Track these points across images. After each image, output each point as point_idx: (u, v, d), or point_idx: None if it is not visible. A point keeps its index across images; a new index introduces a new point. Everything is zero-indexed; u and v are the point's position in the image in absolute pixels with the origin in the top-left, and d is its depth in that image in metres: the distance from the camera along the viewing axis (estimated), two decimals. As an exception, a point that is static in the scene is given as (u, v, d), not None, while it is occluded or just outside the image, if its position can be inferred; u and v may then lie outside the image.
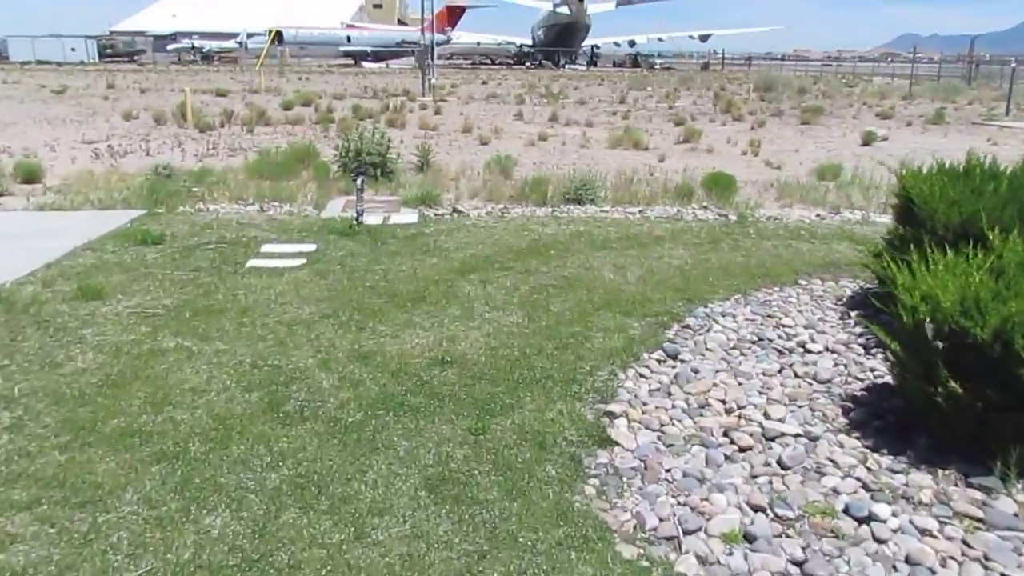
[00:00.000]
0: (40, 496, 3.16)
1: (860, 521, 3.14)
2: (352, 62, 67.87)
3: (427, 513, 3.14)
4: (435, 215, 8.68)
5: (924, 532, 3.07)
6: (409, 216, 8.55)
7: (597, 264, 6.70)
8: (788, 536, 3.07)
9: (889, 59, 77.77)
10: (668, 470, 3.53)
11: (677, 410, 4.11)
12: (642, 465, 3.56)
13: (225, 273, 6.22)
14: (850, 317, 5.39)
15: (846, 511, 3.20)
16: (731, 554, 2.97)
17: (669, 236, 7.76)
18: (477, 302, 5.68)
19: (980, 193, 4.46)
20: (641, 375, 4.54)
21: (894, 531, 3.08)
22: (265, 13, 69.46)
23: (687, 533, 3.09)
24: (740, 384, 4.42)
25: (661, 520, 3.17)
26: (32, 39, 66.28)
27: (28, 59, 59.93)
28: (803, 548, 2.99)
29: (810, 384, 4.42)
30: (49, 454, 3.47)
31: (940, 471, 3.46)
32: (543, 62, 71.70)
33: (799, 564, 2.91)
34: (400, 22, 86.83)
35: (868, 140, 16.06)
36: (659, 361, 4.74)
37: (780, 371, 4.61)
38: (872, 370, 4.54)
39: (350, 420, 3.87)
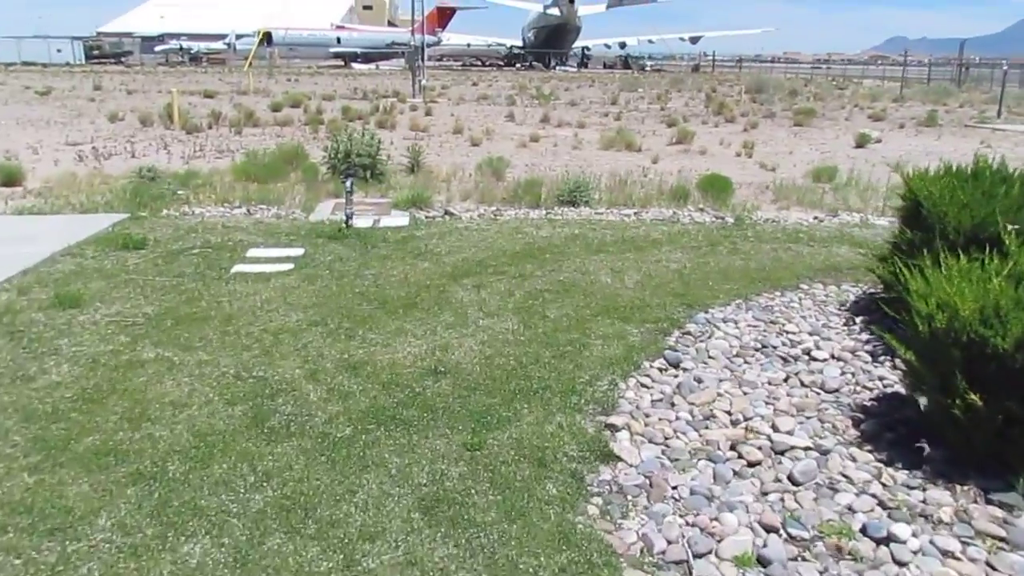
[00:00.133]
0: (5, 523, 2.95)
1: (879, 542, 2.97)
2: (342, 63, 67.53)
3: (421, 537, 2.95)
4: (426, 218, 8.50)
5: (946, 553, 2.91)
6: (400, 219, 8.35)
7: (593, 268, 6.53)
8: (804, 559, 2.90)
9: (879, 62, 78.03)
10: (675, 487, 3.36)
11: (681, 422, 3.94)
12: (647, 482, 3.39)
13: (209, 279, 6.01)
14: (855, 323, 5.24)
15: (864, 531, 3.03)
16: (745, 580, 2.80)
17: (666, 239, 7.60)
18: (471, 308, 5.49)
19: (991, 196, 4.31)
20: (643, 385, 4.37)
21: (915, 553, 2.92)
22: (254, 14, 69.07)
23: (697, 556, 2.92)
24: (745, 394, 4.25)
25: (669, 542, 3.00)
26: (17, 40, 65.56)
27: (13, 60, 59.28)
28: (820, 573, 2.82)
29: (818, 394, 4.26)
30: (17, 476, 3.26)
31: (958, 487, 3.30)
32: (533, 63, 71.53)
33: (817, 591, 2.75)
34: (390, 23, 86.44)
35: (862, 142, 15.96)
36: (661, 370, 4.57)
37: (786, 380, 4.45)
38: (881, 379, 4.38)
39: (339, 435, 3.68)
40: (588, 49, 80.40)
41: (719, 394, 4.23)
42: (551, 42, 72.33)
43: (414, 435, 3.71)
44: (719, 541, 3.00)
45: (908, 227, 4.76)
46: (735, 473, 3.47)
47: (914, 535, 2.99)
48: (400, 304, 5.53)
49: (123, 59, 67.16)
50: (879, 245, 6.72)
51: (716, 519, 3.13)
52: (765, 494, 3.32)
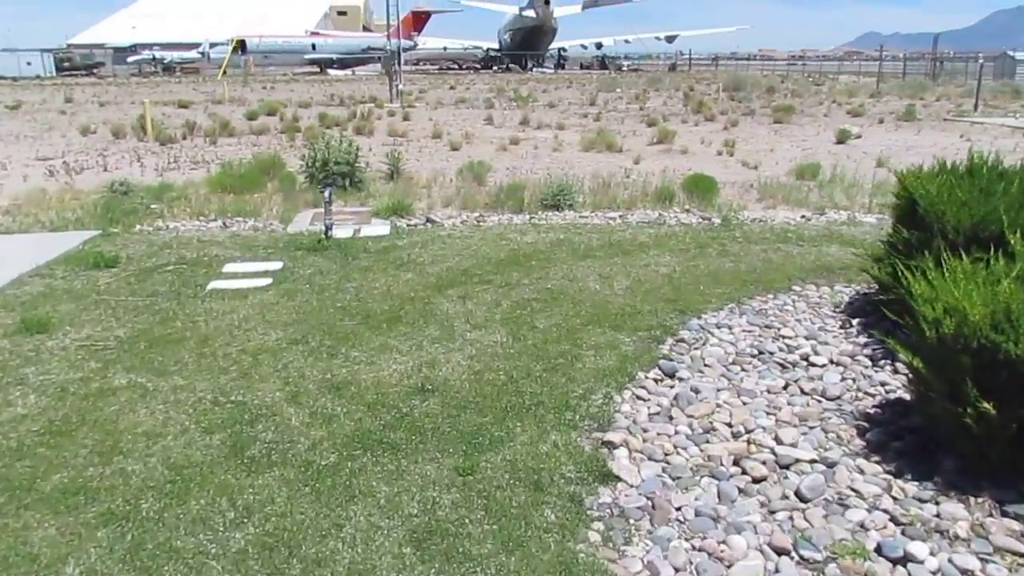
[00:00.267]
0: (-36, 575, 2.74)
1: (895, 562, 2.84)
2: (318, 70, 67.06)
3: (414, 574, 2.77)
4: (408, 226, 8.31)
5: (966, 573, 2.78)
6: (381, 228, 8.16)
7: (581, 274, 6.37)
8: (819, 584, 2.75)
9: (854, 57, 78.65)
10: (678, 508, 3.20)
11: (681, 436, 3.79)
12: (649, 504, 3.23)
13: (184, 297, 5.79)
14: (852, 325, 5.12)
15: (879, 551, 2.89)
16: (758, 609, 2.65)
17: (654, 242, 7.46)
18: (457, 320, 5.32)
19: (989, 194, 4.20)
20: (638, 397, 4.22)
21: (934, 573, 2.78)
22: (228, 23, 68.44)
23: (706, 585, 2.76)
24: (745, 404, 4.11)
25: (676, 570, 2.84)
26: (-15, 54, 64.57)
27: (-19, 75, 58.29)
28: (837, 599, 2.68)
29: (819, 402, 4.13)
30: (-22, 521, 3.05)
31: (972, 499, 3.17)
32: (510, 66, 71.41)
33: (835, 618, 2.60)
34: (365, 28, 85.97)
35: (842, 138, 15.95)
36: (656, 380, 4.42)
37: (785, 387, 4.31)
38: (883, 384, 4.26)
39: (323, 463, 3.49)
40: (565, 50, 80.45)
41: (718, 405, 4.08)
42: (527, 44, 72.27)
43: (402, 460, 3.53)
44: (728, 567, 2.85)
45: (904, 226, 4.63)
46: (740, 490, 3.32)
47: (931, 553, 2.85)
48: (384, 318, 5.34)
49: (95, 70, 66.24)
50: (870, 244, 6.63)
51: (724, 542, 2.97)
52: (773, 512, 3.17)
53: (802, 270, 6.41)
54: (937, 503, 3.17)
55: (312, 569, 2.79)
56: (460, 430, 3.81)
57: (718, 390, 4.28)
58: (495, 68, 71.23)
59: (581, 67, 75.52)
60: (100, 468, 3.42)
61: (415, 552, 2.89)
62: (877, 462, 3.50)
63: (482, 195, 9.76)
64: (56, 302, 5.64)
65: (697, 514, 3.15)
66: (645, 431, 3.83)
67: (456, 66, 76.84)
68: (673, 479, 3.42)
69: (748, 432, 3.80)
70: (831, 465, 3.48)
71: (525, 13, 71.64)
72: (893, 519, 3.08)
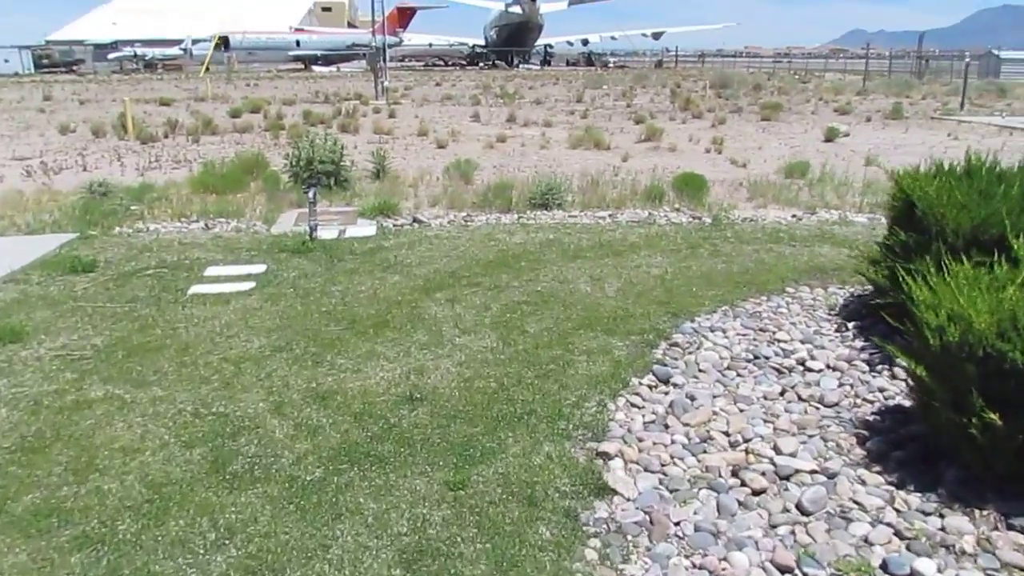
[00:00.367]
0: (-73, 606, 2.60)
1: (902, 580, 2.74)
2: (302, 66, 66.51)
3: (404, 599, 2.65)
4: (394, 226, 8.17)
5: (975, 590, 2.69)
6: (367, 228, 8.02)
7: (572, 276, 6.27)
8: (825, 604, 2.66)
9: (839, 55, 78.97)
10: (677, 523, 3.10)
11: (677, 446, 3.69)
12: (647, 518, 3.12)
13: (165, 303, 5.63)
14: (847, 329, 5.04)
15: (884, 568, 2.80)
16: (762, 632, 2.56)
17: (644, 242, 7.36)
18: (445, 325, 5.20)
19: (989, 196, 4.12)
20: (633, 404, 4.12)
21: (942, 591, 2.69)
22: (210, 19, 67.66)
23: (708, 606, 2.66)
24: (741, 411, 4.02)
25: (677, 590, 2.74)
26: (-38, 51, 63.57)
27: (-43, 72, 57.40)
28: (844, 619, 2.58)
29: (817, 409, 4.04)
30: (-56, 546, 2.90)
31: (977, 511, 3.08)
32: (496, 62, 71.13)
33: (842, 641, 2.51)
34: (350, 25, 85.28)
35: (831, 136, 15.92)
36: (650, 387, 4.32)
37: (782, 394, 4.22)
38: (881, 390, 4.17)
39: (308, 479, 3.37)
40: (551, 47, 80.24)
41: (714, 413, 3.98)
42: (514, 40, 72.04)
43: (391, 474, 3.41)
44: (731, 586, 2.75)
45: (901, 228, 4.55)
46: (740, 504, 3.22)
47: (939, 570, 2.77)
48: (370, 323, 5.21)
49: (75, 68, 65.36)
50: (863, 244, 6.57)
51: (725, 559, 2.88)
52: (774, 527, 3.07)
53: (795, 271, 6.33)
54: (941, 516, 3.08)
55: (297, 594, 2.66)
56: (450, 441, 3.69)
57: (714, 397, 4.18)
58: (481, 65, 70.94)
59: (567, 64, 75.34)
60: (75, 487, 3.27)
61: (405, 574, 2.77)
62: (878, 472, 3.41)
63: (469, 194, 9.63)
64: (31, 309, 5.46)
65: (697, 529, 3.05)
66: (640, 440, 3.73)
67: (442, 63, 76.48)
68: (671, 491, 3.32)
69: (746, 441, 3.70)
70: (832, 476, 3.39)
71: (511, 9, 71.40)
72: (897, 533, 2.99)
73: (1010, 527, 3.00)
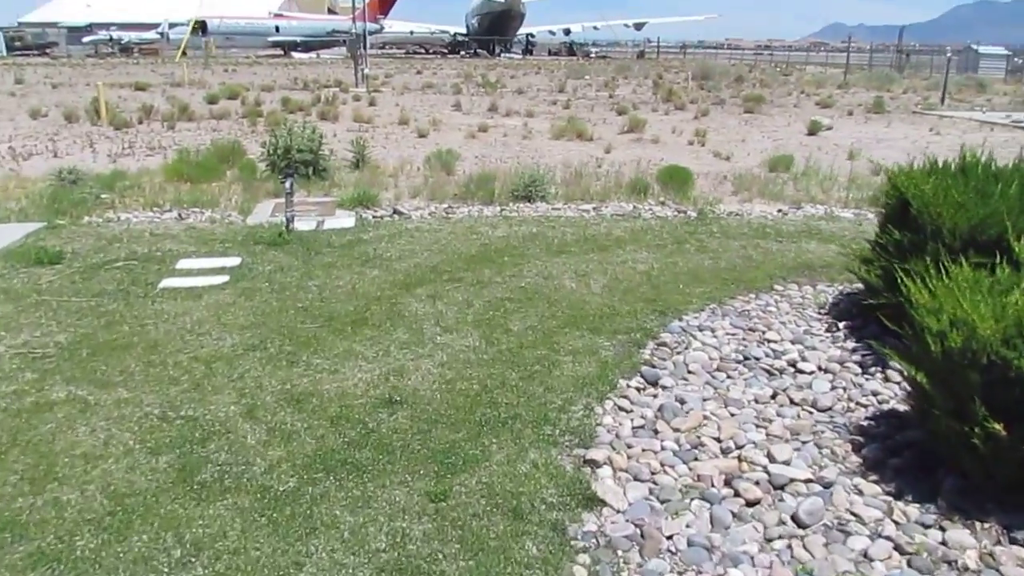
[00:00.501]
0: None
1: (904, 599, 2.63)
2: (281, 52, 65.62)
3: (382, 622, 2.50)
4: (374, 218, 7.97)
5: (979, 609, 2.58)
6: (345, 220, 7.81)
7: (556, 272, 6.11)
8: (825, 626, 2.54)
9: (820, 48, 79.29)
10: (669, 537, 2.96)
11: (668, 453, 3.55)
12: (638, 532, 2.99)
13: (133, 297, 5.40)
14: (838, 329, 4.93)
15: (886, 585, 2.68)
16: (761, 656, 2.43)
17: (630, 237, 7.22)
18: (426, 323, 5.03)
19: (986, 195, 4.02)
20: (621, 408, 3.98)
21: (946, 610, 2.58)
22: (188, 2, 66.48)
23: (704, 628, 2.53)
24: (733, 415, 3.89)
25: (670, 611, 2.60)
26: (-69, 32, 61.98)
27: (-74, 54, 55.98)
28: (846, 643, 2.46)
29: (810, 413, 3.92)
30: None
31: (978, 524, 2.98)
32: (478, 51, 70.65)
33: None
34: (330, 11, 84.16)
35: (814, 130, 15.87)
36: (638, 389, 4.18)
37: (774, 397, 4.10)
38: (875, 394, 4.06)
39: (282, 489, 3.19)
40: (532, 36, 79.85)
41: (705, 417, 3.85)
42: (495, 29, 71.56)
43: (369, 484, 3.24)
44: (726, 606, 2.62)
45: (894, 227, 4.44)
46: (734, 515, 3.09)
47: (942, 588, 2.66)
48: (348, 320, 5.03)
49: (48, 51, 63.97)
50: (851, 241, 6.48)
51: (720, 577, 2.75)
52: (770, 541, 2.95)
53: (783, 268, 6.22)
54: (942, 528, 2.97)
55: (267, 618, 2.49)
56: (431, 448, 3.53)
57: (704, 400, 4.05)
58: (462, 53, 70.43)
59: (549, 53, 75.02)
60: (31, 498, 3.07)
61: (383, 595, 2.61)
62: (875, 481, 3.30)
63: (451, 185, 9.44)
64: (-9, 303, 5.22)
65: (690, 544, 2.92)
66: (629, 447, 3.59)
67: (423, 50, 75.84)
68: (662, 502, 3.19)
69: (738, 448, 3.58)
70: (828, 485, 3.27)
71: (493, -2, 70.87)
72: (898, 548, 2.87)
73: (1013, 541, 2.90)
